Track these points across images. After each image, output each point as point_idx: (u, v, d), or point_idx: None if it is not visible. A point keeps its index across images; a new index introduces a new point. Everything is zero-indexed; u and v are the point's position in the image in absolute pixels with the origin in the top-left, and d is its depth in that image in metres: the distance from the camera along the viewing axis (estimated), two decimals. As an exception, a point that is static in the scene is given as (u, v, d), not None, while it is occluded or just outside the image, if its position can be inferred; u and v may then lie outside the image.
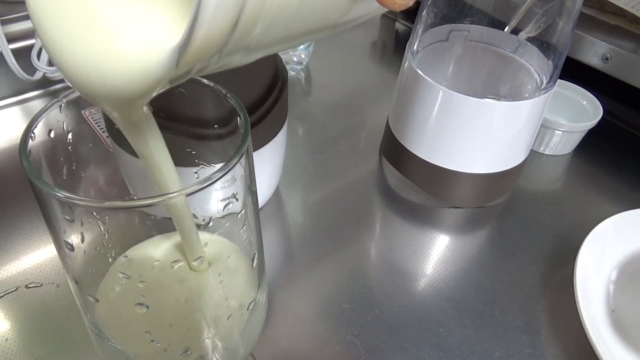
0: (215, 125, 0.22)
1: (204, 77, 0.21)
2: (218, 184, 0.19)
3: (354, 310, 0.40)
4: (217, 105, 0.22)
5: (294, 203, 0.49)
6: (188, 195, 0.16)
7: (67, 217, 0.18)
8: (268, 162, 0.41)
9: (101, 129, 0.42)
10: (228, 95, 0.20)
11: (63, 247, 0.19)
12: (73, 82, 0.14)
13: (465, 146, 0.43)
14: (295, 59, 0.63)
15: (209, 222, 0.20)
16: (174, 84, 0.14)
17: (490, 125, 0.41)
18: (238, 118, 0.20)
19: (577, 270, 0.39)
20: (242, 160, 0.19)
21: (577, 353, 0.38)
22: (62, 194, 0.15)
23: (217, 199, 0.20)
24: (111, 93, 0.13)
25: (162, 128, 0.24)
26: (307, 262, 0.43)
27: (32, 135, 0.18)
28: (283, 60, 0.44)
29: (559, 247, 0.46)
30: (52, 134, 0.20)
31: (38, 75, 0.53)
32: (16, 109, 0.57)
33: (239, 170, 0.20)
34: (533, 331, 0.39)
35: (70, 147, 0.24)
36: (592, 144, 0.57)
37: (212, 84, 0.20)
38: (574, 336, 0.39)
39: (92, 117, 0.42)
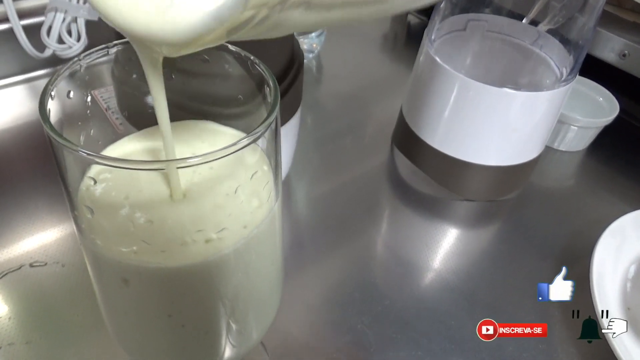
0: (240, 97, 0.21)
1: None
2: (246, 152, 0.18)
3: (364, 300, 0.39)
4: (242, 75, 0.21)
5: (304, 193, 0.49)
6: (215, 160, 0.15)
7: (91, 177, 0.17)
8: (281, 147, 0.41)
9: (110, 109, 0.41)
10: (256, 61, 0.19)
11: (81, 210, 0.18)
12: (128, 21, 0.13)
13: (481, 137, 0.42)
14: (306, 46, 0.62)
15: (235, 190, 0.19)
16: (230, 36, 0.13)
17: (508, 115, 0.41)
18: (266, 86, 0.19)
19: (593, 266, 0.38)
20: (272, 128, 0.18)
21: (591, 350, 0.37)
22: (85, 151, 0.15)
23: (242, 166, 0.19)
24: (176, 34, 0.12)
25: (184, 97, 0.23)
26: (317, 251, 0.43)
27: (52, 95, 0.17)
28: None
29: (573, 243, 0.45)
30: (70, 96, 0.19)
31: (47, 53, 0.52)
32: (23, 87, 0.56)
33: (266, 140, 0.19)
34: (547, 327, 0.38)
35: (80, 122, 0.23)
36: (607, 142, 0.56)
37: (239, 50, 0.19)
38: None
39: (101, 96, 0.42)
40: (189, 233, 0.18)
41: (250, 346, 0.25)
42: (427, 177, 0.48)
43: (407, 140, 0.48)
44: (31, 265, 0.38)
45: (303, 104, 0.42)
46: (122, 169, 0.19)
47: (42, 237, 0.41)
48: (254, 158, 0.20)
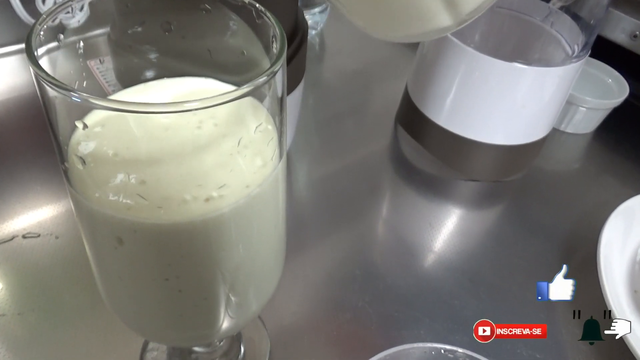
0: (243, 51, 0.20)
1: None
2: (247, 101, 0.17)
3: (366, 278, 0.38)
4: (245, 27, 0.19)
5: (306, 171, 0.48)
6: (218, 105, 0.14)
7: (83, 123, 0.16)
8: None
9: (107, 82, 0.40)
10: (261, 10, 0.18)
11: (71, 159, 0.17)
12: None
13: (488, 114, 0.41)
14: (309, 22, 0.61)
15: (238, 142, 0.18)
16: None
17: (517, 92, 0.39)
18: (272, 37, 0.18)
19: (600, 248, 0.37)
20: (276, 81, 0.17)
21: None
22: (79, 92, 0.13)
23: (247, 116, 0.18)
24: None
25: (184, 53, 0.22)
26: (319, 229, 0.42)
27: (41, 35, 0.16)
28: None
29: (579, 225, 0.44)
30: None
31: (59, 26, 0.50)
32: (19, 57, 0.54)
33: (269, 97, 0.18)
34: (551, 308, 0.37)
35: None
36: (614, 125, 0.55)
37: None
38: (592, 315, 0.37)
39: (97, 68, 0.40)
40: (188, 189, 0.17)
41: (249, 317, 0.24)
42: (431, 156, 0.47)
43: (412, 118, 0.47)
44: (24, 237, 0.37)
45: (305, 81, 0.41)
46: (116, 118, 0.18)
47: (36, 209, 0.40)
48: (258, 115, 0.19)
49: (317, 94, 0.56)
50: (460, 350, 0.27)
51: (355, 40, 0.66)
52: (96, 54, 0.24)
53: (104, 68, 0.45)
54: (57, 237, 0.38)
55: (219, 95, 0.14)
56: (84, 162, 0.16)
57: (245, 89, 0.14)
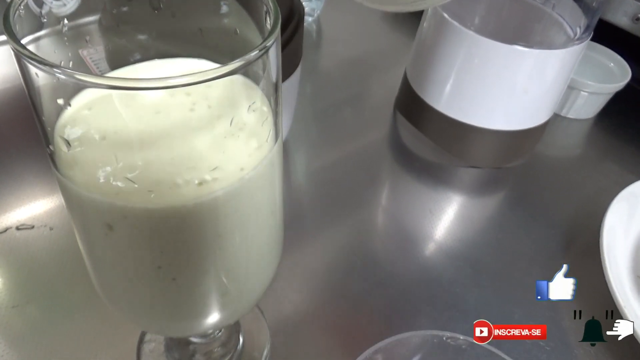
0: (236, 29, 0.19)
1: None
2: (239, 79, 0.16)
3: (366, 266, 0.37)
4: (238, 4, 0.19)
5: (305, 159, 0.47)
6: (208, 80, 0.13)
7: (67, 102, 0.16)
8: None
9: (101, 71, 0.39)
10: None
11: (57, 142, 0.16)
12: None
13: (489, 99, 0.41)
14: (306, 9, 0.60)
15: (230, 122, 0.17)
16: None
17: (518, 75, 0.39)
18: (265, 13, 0.17)
19: (603, 233, 0.37)
20: (270, 57, 0.16)
21: (598, 317, 0.36)
22: (62, 68, 0.13)
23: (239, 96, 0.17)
24: None
25: (175, 33, 0.21)
26: (318, 218, 0.41)
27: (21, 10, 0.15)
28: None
29: (581, 211, 0.44)
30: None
31: (44, 10, 0.49)
32: (9, 48, 0.53)
33: (263, 77, 0.17)
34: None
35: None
36: (616, 110, 0.54)
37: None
38: (595, 300, 0.37)
39: (90, 58, 0.39)
40: (180, 173, 0.16)
41: (246, 306, 0.23)
42: (431, 143, 0.46)
43: (411, 104, 0.46)
44: (17, 229, 0.37)
45: (303, 68, 0.40)
46: (103, 100, 0.17)
47: (29, 200, 0.39)
48: (253, 96, 0.18)
49: (314, 82, 0.55)
50: (461, 337, 0.27)
51: (353, 27, 0.65)
52: (89, 42, 0.24)
53: (97, 57, 0.44)
54: (51, 229, 0.37)
55: (209, 70, 0.13)
56: (69, 144, 0.16)
57: (236, 63, 0.14)
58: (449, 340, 0.27)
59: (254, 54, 0.14)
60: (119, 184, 0.15)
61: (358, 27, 0.65)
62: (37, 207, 0.38)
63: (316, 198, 0.43)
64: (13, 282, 0.34)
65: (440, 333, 0.27)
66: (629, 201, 0.40)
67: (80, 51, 0.25)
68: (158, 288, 0.19)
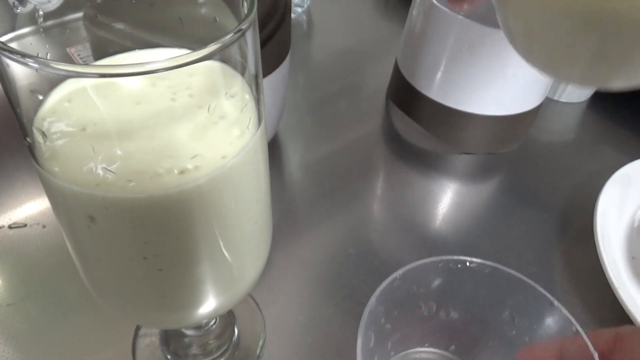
0: (215, 17, 0.19)
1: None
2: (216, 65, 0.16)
3: (360, 255, 0.37)
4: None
5: (299, 150, 0.47)
6: (185, 64, 0.13)
7: (38, 92, 0.15)
8: (269, 98, 0.38)
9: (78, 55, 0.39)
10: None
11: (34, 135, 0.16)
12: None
13: (479, 84, 0.40)
14: (295, 0, 0.59)
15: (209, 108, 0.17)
16: None
17: (508, 60, 0.38)
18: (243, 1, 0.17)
19: (597, 215, 0.37)
20: (247, 42, 0.16)
21: (594, 300, 0.36)
22: (36, 57, 0.13)
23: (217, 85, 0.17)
24: None
25: (155, 23, 0.21)
26: (312, 209, 0.41)
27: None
28: None
29: (575, 195, 0.44)
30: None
31: (29, 8, 0.49)
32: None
33: (244, 50, 0.17)
34: (549, 278, 0.37)
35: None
36: (608, 94, 0.54)
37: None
38: (590, 283, 0.37)
39: (79, 54, 0.39)
40: (161, 162, 0.16)
41: (236, 296, 0.23)
42: (424, 131, 0.46)
43: (402, 92, 0.46)
44: (10, 227, 0.37)
45: (293, 59, 0.40)
46: (83, 92, 0.17)
47: (21, 198, 0.39)
48: (233, 83, 0.18)
49: (306, 73, 0.55)
50: (477, 260, 0.27)
51: (343, 17, 0.65)
52: (75, 39, 0.23)
53: (85, 54, 0.44)
54: (44, 227, 0.37)
55: (185, 54, 0.13)
56: (45, 137, 0.16)
57: (212, 46, 0.14)
58: (472, 265, 0.27)
59: (229, 36, 0.14)
60: (100, 174, 0.15)
61: (348, 16, 0.65)
62: (29, 205, 0.38)
63: (310, 188, 0.43)
64: (7, 280, 0.34)
65: (461, 258, 0.27)
66: (622, 183, 0.40)
67: (67, 49, 0.25)
68: (145, 279, 0.19)
